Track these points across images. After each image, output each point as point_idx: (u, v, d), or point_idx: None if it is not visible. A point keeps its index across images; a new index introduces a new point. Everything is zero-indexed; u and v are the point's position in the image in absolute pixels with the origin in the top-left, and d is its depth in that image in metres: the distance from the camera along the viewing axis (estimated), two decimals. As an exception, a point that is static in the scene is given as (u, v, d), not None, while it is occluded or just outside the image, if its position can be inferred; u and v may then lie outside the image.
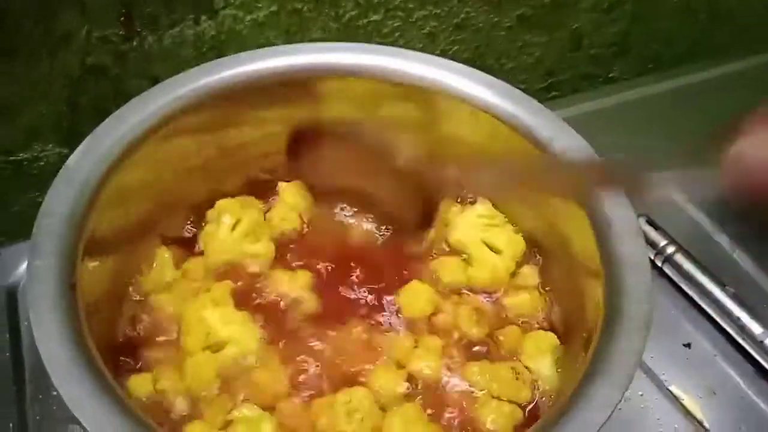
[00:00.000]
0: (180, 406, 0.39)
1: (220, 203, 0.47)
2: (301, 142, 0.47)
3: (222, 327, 0.42)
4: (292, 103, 0.49)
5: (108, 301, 0.41)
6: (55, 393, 0.47)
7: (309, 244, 0.48)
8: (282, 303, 0.45)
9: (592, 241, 0.39)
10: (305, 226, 0.49)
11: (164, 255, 0.46)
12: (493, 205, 0.49)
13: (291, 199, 0.49)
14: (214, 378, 0.41)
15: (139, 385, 0.40)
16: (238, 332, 0.42)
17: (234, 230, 0.46)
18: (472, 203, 0.50)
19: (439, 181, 0.45)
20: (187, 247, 0.47)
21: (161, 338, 0.43)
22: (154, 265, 0.45)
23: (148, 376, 0.40)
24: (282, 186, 0.50)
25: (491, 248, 0.47)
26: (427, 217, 0.47)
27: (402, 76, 0.47)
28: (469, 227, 0.48)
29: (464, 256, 0.48)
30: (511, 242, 0.47)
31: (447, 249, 0.48)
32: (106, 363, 0.34)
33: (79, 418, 0.30)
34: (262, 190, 0.50)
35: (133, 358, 0.42)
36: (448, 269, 0.47)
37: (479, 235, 0.48)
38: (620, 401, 0.33)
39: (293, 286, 0.45)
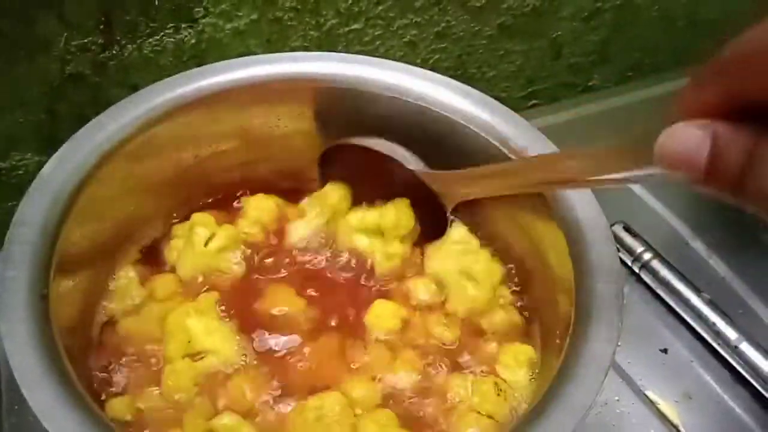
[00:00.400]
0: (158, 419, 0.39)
1: (195, 217, 0.47)
2: (330, 155, 0.49)
3: (204, 337, 0.42)
4: (271, 111, 0.49)
5: (80, 314, 0.41)
6: (31, 403, 0.47)
7: (280, 259, 0.48)
8: (261, 315, 0.45)
9: (564, 249, 0.39)
10: (272, 239, 0.49)
11: (129, 275, 0.45)
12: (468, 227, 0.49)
13: (255, 213, 0.49)
14: (192, 386, 0.41)
15: (119, 408, 0.40)
16: (219, 342, 0.42)
17: (207, 245, 0.46)
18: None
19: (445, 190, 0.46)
20: (154, 264, 0.47)
21: (131, 358, 0.42)
22: (119, 287, 0.45)
23: (127, 399, 0.40)
24: (246, 200, 0.50)
25: (469, 277, 0.46)
26: (441, 223, 0.48)
27: (379, 86, 0.47)
28: (445, 256, 0.48)
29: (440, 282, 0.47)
30: (489, 270, 0.46)
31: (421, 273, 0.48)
32: (80, 378, 0.34)
33: (49, 429, 0.30)
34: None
35: (107, 374, 0.42)
36: (424, 287, 0.47)
37: (456, 265, 0.47)
38: (590, 406, 0.33)
39: (274, 302, 0.45)
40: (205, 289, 0.45)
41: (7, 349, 0.32)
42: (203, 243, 0.46)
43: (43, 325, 0.33)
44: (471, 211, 0.48)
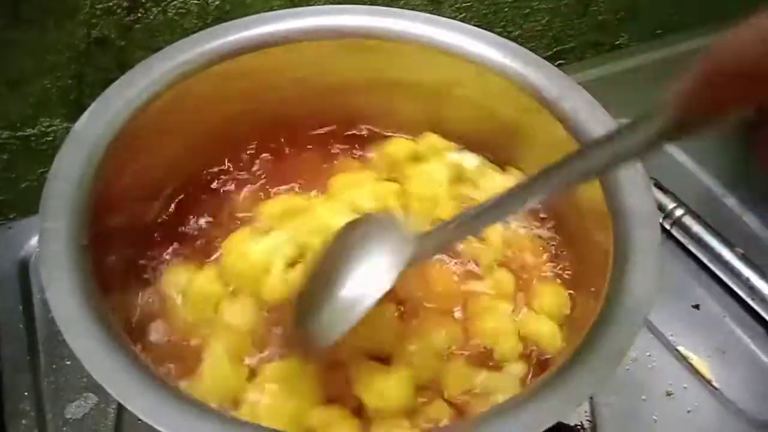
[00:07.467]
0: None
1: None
2: None
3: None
4: (298, 67, 0.49)
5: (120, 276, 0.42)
6: (68, 362, 0.48)
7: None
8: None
9: (599, 193, 0.39)
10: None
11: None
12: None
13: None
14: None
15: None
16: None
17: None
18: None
19: None
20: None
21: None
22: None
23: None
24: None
25: None
26: None
27: (409, 38, 0.47)
28: None
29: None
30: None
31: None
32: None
33: (90, 372, 0.30)
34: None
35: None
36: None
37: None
38: (628, 351, 0.33)
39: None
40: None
41: (48, 297, 0.32)
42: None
43: (83, 274, 0.33)
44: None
